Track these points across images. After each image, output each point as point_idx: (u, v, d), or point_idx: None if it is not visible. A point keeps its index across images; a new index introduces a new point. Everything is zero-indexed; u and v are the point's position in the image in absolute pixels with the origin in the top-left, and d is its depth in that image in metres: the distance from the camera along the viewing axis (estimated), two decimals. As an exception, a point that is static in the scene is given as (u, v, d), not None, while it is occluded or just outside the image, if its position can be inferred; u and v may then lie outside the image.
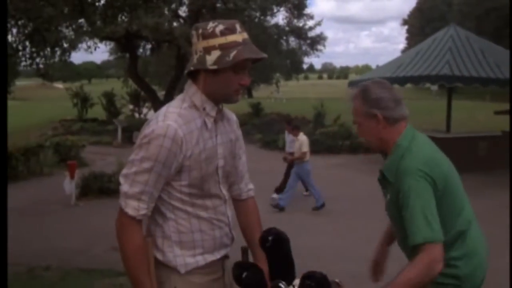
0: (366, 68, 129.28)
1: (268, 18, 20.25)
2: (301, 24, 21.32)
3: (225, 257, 1.97)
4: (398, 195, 1.99)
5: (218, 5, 18.29)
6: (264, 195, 7.81)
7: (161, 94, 23.84)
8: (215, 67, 1.74)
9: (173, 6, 12.23)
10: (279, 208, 7.95)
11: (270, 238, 1.79)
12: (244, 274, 1.77)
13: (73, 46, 8.32)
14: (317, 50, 22.69)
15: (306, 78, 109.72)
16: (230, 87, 1.79)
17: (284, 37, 21.21)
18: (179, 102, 1.84)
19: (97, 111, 22.53)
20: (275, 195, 8.57)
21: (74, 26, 7.38)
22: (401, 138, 2.06)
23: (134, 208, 1.74)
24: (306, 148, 8.16)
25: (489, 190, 8.62)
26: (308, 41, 22.25)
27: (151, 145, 1.72)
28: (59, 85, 56.70)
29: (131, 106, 23.05)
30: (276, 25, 20.52)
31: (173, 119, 1.75)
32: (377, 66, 21.48)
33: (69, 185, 8.57)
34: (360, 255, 6.01)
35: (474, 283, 2.11)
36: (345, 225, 7.29)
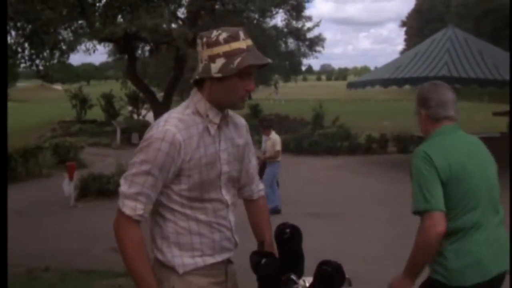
0: (365, 69, 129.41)
1: (267, 19, 20.25)
2: (299, 26, 21.33)
3: (229, 261, 1.97)
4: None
5: (217, 6, 18.31)
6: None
7: (160, 95, 23.81)
8: (219, 75, 1.77)
9: (172, 7, 12.22)
10: (276, 211, 7.84)
11: (287, 230, 1.87)
12: (263, 261, 1.82)
13: (72, 48, 8.31)
14: (315, 51, 22.67)
15: (304, 79, 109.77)
16: (235, 94, 1.82)
17: (283, 39, 21.22)
18: (182, 108, 1.88)
19: (96, 113, 22.53)
20: None
21: (72, 28, 7.38)
22: (435, 132, 2.32)
23: (131, 208, 1.76)
24: (279, 147, 8.15)
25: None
26: (307, 43, 22.25)
27: (150, 148, 1.76)
28: (58, 86, 56.67)
29: (130, 108, 23.04)
30: (275, 27, 20.53)
31: (173, 124, 1.78)
32: (376, 68, 21.54)
33: (68, 187, 8.57)
34: (359, 256, 6.03)
35: (462, 282, 2.20)
36: (343, 226, 7.30)
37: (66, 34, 7.80)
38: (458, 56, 11.19)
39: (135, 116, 22.27)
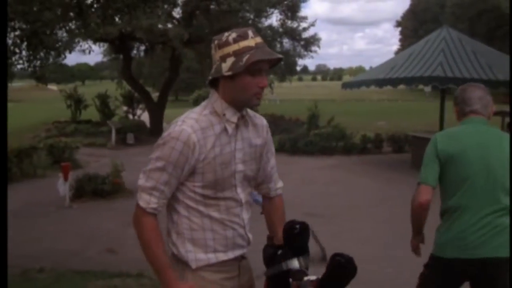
0: (360, 69, 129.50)
1: (262, 19, 20.25)
2: (295, 26, 21.32)
3: (242, 257, 2.03)
4: None
5: (212, 6, 18.30)
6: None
7: (155, 95, 23.81)
8: (230, 73, 1.85)
9: (167, 7, 12.20)
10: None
11: (297, 226, 1.93)
12: (279, 252, 1.89)
13: (70, 49, 8.27)
14: (311, 51, 22.65)
15: (300, 79, 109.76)
16: (248, 91, 1.88)
17: (278, 39, 21.21)
18: (201, 108, 1.96)
19: (91, 113, 22.46)
20: None
21: (67, 28, 7.35)
22: (460, 123, 2.73)
23: (145, 201, 1.87)
24: None
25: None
26: (302, 43, 22.23)
27: (165, 146, 1.86)
28: (53, 86, 56.44)
29: (125, 108, 22.97)
30: (270, 27, 20.53)
31: (190, 125, 1.87)
32: (371, 68, 21.59)
33: (63, 187, 8.54)
34: (355, 255, 6.03)
35: (443, 254, 2.61)
36: (339, 225, 7.31)
37: (60, 34, 7.75)
38: (453, 56, 11.22)
39: (130, 116, 22.21)
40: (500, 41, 34.30)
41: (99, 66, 76.98)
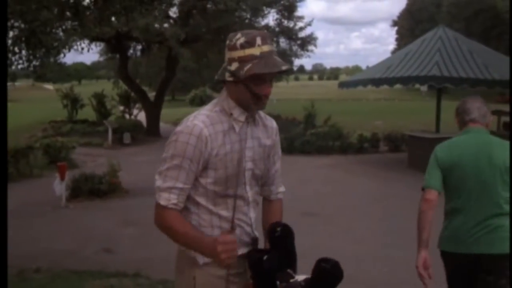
0: (356, 69, 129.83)
1: (259, 19, 20.24)
2: (291, 25, 21.32)
3: None
4: None
5: (209, 6, 18.29)
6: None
7: (151, 95, 23.77)
8: (231, 79, 1.89)
9: (163, 6, 12.20)
10: None
11: (278, 228, 1.93)
12: (265, 257, 1.88)
13: (68, 48, 8.24)
14: (307, 51, 22.65)
15: (296, 79, 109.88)
16: (248, 98, 1.90)
17: (275, 38, 21.20)
18: (211, 105, 1.99)
19: (87, 112, 22.41)
20: None
21: (63, 27, 7.34)
22: (461, 132, 3.00)
23: (165, 198, 1.89)
24: None
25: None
26: (299, 42, 22.22)
27: (178, 142, 1.87)
28: (49, 86, 56.35)
29: (121, 107, 22.93)
30: (267, 26, 20.52)
31: (201, 120, 1.90)
32: (367, 67, 21.60)
33: (59, 187, 8.52)
34: (351, 255, 6.04)
35: (442, 247, 2.94)
36: (336, 225, 7.32)
37: (58, 33, 7.73)
38: (449, 56, 11.24)
39: (127, 116, 22.16)
40: (496, 40, 34.43)
41: (95, 66, 76.94)
